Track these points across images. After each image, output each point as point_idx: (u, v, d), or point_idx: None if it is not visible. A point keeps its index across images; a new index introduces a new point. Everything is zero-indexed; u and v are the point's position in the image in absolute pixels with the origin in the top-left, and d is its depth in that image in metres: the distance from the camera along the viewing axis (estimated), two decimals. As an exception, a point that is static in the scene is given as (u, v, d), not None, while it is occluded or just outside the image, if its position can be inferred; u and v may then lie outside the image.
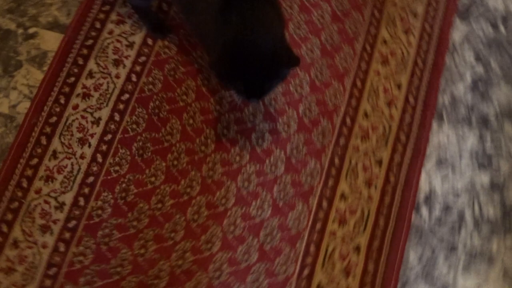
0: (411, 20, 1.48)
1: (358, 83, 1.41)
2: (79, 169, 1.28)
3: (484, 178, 1.35)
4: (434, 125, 1.39)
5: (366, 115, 1.38)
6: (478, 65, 1.45)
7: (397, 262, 1.27)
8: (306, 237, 1.27)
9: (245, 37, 0.94)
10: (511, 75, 1.44)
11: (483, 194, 1.34)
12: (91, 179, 1.27)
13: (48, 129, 1.31)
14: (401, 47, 1.45)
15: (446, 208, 1.33)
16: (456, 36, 1.48)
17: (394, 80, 1.41)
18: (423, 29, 1.47)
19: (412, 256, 1.28)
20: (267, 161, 1.33)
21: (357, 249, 1.28)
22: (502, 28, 1.49)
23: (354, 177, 1.33)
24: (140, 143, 1.31)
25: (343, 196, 1.31)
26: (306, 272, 1.26)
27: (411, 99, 1.40)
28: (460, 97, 1.42)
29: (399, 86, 1.41)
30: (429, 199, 1.33)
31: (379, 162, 1.34)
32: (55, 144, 1.30)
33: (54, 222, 1.23)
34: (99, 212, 1.25)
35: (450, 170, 1.36)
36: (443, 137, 1.39)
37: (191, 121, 1.34)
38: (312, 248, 1.27)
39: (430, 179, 1.35)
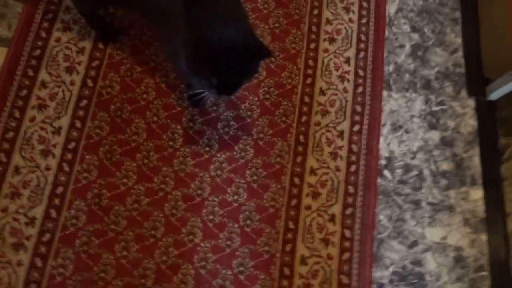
0: (350, -1, 1.58)
1: (311, 62, 1.48)
2: (46, 181, 1.24)
3: (434, 136, 1.47)
4: (384, 93, 1.49)
5: (322, 92, 1.45)
6: (414, 33, 1.58)
7: (370, 225, 1.35)
8: (284, 215, 1.32)
9: (215, 32, 0.93)
10: (443, 39, 1.58)
11: (436, 150, 1.46)
12: (60, 189, 1.24)
13: (6, 145, 1.25)
14: (344, 25, 1.54)
15: (406, 168, 1.43)
16: (391, 10, 1.60)
17: (342, 56, 1.50)
18: (360, 6, 1.57)
19: (383, 217, 1.37)
20: (236, 147, 1.36)
21: (332, 218, 1.34)
22: (430, -2, 1.63)
23: (320, 151, 1.39)
24: (107, 147, 1.29)
25: (312, 171, 1.37)
26: (288, 248, 1.30)
27: (361, 72, 1.49)
28: (403, 65, 1.54)
29: (348, 61, 1.50)
30: (390, 162, 1.42)
31: (341, 134, 1.42)
32: (16, 159, 1.25)
33: (27, 238, 1.18)
34: (74, 221, 1.22)
35: (405, 133, 1.46)
36: (394, 103, 1.49)
37: (155, 118, 1.34)
38: (290, 224, 1.32)
39: (388, 143, 1.44)
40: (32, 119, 1.29)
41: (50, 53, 1.35)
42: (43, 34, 1.37)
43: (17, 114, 1.29)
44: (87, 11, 1.30)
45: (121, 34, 1.40)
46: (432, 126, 1.48)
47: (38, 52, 1.35)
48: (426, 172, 1.43)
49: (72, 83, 1.34)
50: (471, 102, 1.52)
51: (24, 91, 1.31)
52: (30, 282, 1.16)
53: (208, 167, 1.32)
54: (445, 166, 1.45)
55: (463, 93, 1.53)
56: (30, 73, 1.33)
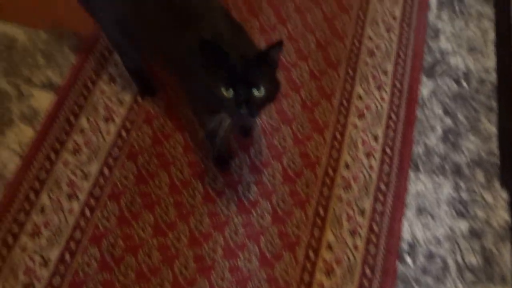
0: (382, 77, 1.60)
1: (338, 136, 1.49)
2: (67, 224, 1.28)
3: (463, 226, 1.41)
4: (411, 174, 1.46)
5: (347, 166, 1.44)
6: (447, 117, 1.56)
7: (385, 312, 1.27)
8: (294, 288, 1.27)
9: (225, 36, 1.01)
10: (477, 126, 1.55)
11: (463, 241, 1.39)
12: (78, 234, 1.27)
13: (37, 185, 1.32)
14: (375, 102, 1.56)
15: (430, 256, 1.36)
16: (424, 92, 1.60)
17: (371, 132, 1.50)
18: (393, 85, 1.59)
19: (400, 305, 1.29)
20: (253, 212, 1.36)
21: (345, 299, 1.28)
22: (464, 84, 1.63)
23: (339, 226, 1.36)
24: (129, 197, 1.33)
25: (329, 246, 1.33)
26: (295, 325, 1.24)
27: (388, 150, 1.48)
28: (433, 148, 1.51)
29: (376, 138, 1.50)
30: (412, 247, 1.36)
31: (362, 211, 1.39)
32: (44, 199, 1.30)
33: (38, 279, 1.21)
34: (85, 268, 1.23)
35: (430, 218, 1.41)
36: (420, 186, 1.45)
37: (179, 174, 1.38)
38: (300, 300, 1.27)
39: (412, 227, 1.39)
40: (66, 163, 1.36)
41: (93, 102, 1.45)
42: (90, 84, 1.48)
43: (53, 156, 1.36)
44: (132, 67, 1.40)
45: (159, 90, 1.49)
46: (461, 215, 1.42)
47: (82, 100, 1.45)
48: (451, 263, 1.36)
49: (108, 132, 1.41)
50: (504, 194, 1.45)
51: (63, 135, 1.40)
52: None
53: (224, 228, 1.32)
54: (472, 259, 1.37)
55: (496, 183, 1.47)
56: (72, 119, 1.42)
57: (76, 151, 1.38)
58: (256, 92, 0.95)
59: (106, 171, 1.36)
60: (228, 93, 0.95)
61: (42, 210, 1.29)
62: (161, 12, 1.08)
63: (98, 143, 1.40)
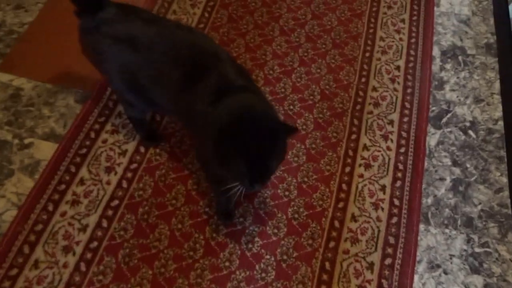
0: (388, 127, 1.59)
1: (344, 187, 1.45)
2: (60, 279, 1.22)
3: (477, 282, 1.33)
4: (421, 227, 1.41)
5: (354, 218, 1.39)
6: (456, 168, 1.53)
7: None
8: None
9: (240, 115, 0.96)
10: (487, 177, 1.51)
11: (479, 298, 1.30)
12: (73, 290, 1.21)
13: (32, 237, 1.28)
14: (381, 152, 1.53)
15: (444, 315, 1.27)
16: (431, 142, 1.58)
17: (377, 183, 1.47)
18: (399, 135, 1.57)
19: None
20: (257, 266, 1.29)
21: None
22: (472, 134, 1.61)
23: (347, 283, 1.29)
24: (127, 250, 1.28)
25: (336, 304, 1.26)
26: None
27: (396, 201, 1.44)
28: (443, 199, 1.46)
29: (383, 189, 1.45)
30: (425, 304, 1.28)
31: (371, 266, 1.32)
32: (38, 253, 1.26)
33: None
34: (78, 327, 1.16)
35: (443, 273, 1.34)
36: (431, 239, 1.39)
37: (179, 225, 1.33)
38: None
39: (424, 283, 1.32)
40: (63, 214, 1.32)
41: (95, 152, 1.44)
42: (93, 135, 1.47)
43: (50, 208, 1.33)
44: (135, 117, 1.40)
45: (162, 140, 1.48)
46: (475, 270, 1.35)
47: (84, 150, 1.44)
48: (467, 323, 1.27)
49: (108, 183, 1.39)
50: (520, 248, 1.38)
51: (63, 186, 1.37)
52: None
53: (226, 284, 1.26)
54: (491, 319, 1.28)
55: (510, 237, 1.40)
56: (72, 169, 1.40)
57: (74, 203, 1.34)
58: (269, 166, 0.97)
59: (104, 223, 1.32)
60: (242, 168, 0.96)
61: (36, 264, 1.24)
62: (169, 66, 1.09)
63: (98, 194, 1.37)
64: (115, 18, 1.12)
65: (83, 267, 1.24)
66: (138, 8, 1.19)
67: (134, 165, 1.43)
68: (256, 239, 1.34)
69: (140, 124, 1.45)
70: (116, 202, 1.36)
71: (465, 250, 1.38)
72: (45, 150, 1.43)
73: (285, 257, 1.31)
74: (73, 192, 1.36)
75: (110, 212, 1.34)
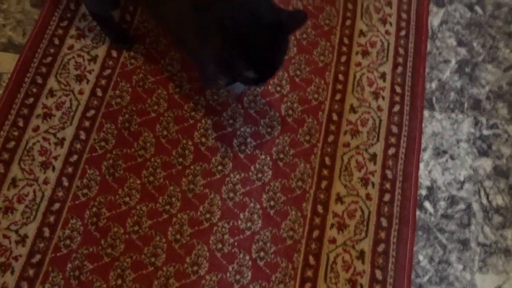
0: (386, 9, 1.42)
1: (341, 77, 1.32)
2: (43, 196, 1.13)
3: (486, 165, 1.26)
4: (426, 114, 1.31)
5: (353, 109, 1.29)
6: (461, 48, 1.39)
7: (407, 266, 1.14)
8: (303, 248, 1.14)
9: (240, 15, 0.83)
10: (495, 55, 1.38)
11: (488, 181, 1.24)
12: (56, 206, 1.13)
13: (5, 156, 1.17)
14: (379, 37, 1.38)
15: (452, 201, 1.22)
16: (434, 22, 1.43)
17: (377, 70, 1.34)
18: (399, 17, 1.41)
19: (422, 258, 1.16)
20: (252, 167, 1.21)
21: (361, 256, 1.15)
22: (479, 9, 1.45)
23: (349, 176, 1.22)
24: (111, 161, 1.18)
25: (339, 199, 1.19)
26: (307, 287, 1.11)
27: (398, 89, 1.32)
28: (448, 82, 1.35)
29: (383, 76, 1.33)
30: (431, 192, 1.22)
31: (373, 157, 1.24)
32: (14, 171, 1.16)
33: (15, 258, 1.07)
34: (68, 242, 1.10)
35: (450, 159, 1.26)
36: (437, 125, 1.30)
37: (165, 132, 1.22)
38: (311, 260, 1.13)
39: (430, 171, 1.25)
40: (36, 129, 1.20)
41: (62, 60, 1.28)
42: (56, 41, 1.31)
43: (20, 123, 1.21)
44: (98, 12, 1.23)
45: (136, 42, 1.32)
46: (483, 153, 1.27)
47: (49, 59, 1.28)
48: (475, 207, 1.21)
49: (80, 92, 1.25)
50: (531, 127, 1.30)
51: (31, 99, 1.23)
52: (13, 308, 1.04)
53: (220, 188, 1.18)
54: (499, 200, 1.22)
55: (521, 115, 1.31)
56: (39, 80, 1.26)
57: (46, 116, 1.22)
58: (277, 63, 0.91)
59: (82, 135, 1.20)
60: (250, 75, 0.89)
61: (14, 183, 1.14)
62: None
63: (71, 105, 1.24)
64: None
65: (65, 182, 1.15)
66: None
67: (107, 71, 1.28)
68: (249, 139, 1.24)
69: (108, 24, 1.27)
70: (92, 112, 1.23)
71: (472, 134, 1.29)
72: (6, 62, 1.28)
73: (281, 155, 1.22)
74: (44, 104, 1.23)
75: (87, 123, 1.22)
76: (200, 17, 0.87)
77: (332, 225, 1.17)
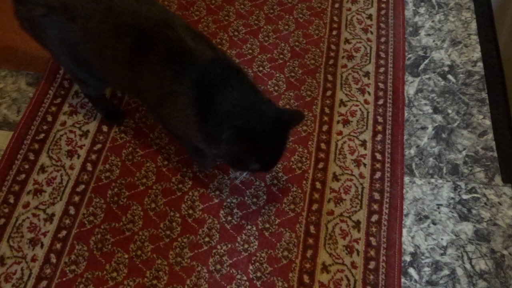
0: (364, 79, 1.51)
1: (323, 146, 1.38)
2: (30, 274, 1.14)
3: (467, 229, 1.29)
4: (406, 179, 1.35)
5: (335, 177, 1.33)
6: (437, 115, 1.46)
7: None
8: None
9: (248, 117, 0.94)
10: (469, 121, 1.45)
11: (470, 245, 1.27)
12: (44, 283, 1.13)
13: (-6, 233, 1.19)
14: (359, 106, 1.46)
15: (435, 267, 1.24)
16: (410, 91, 1.51)
17: (357, 138, 1.40)
18: (377, 87, 1.49)
19: (410, 325, 1.16)
20: (238, 238, 1.23)
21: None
22: (451, 78, 1.54)
23: (334, 244, 1.24)
24: (99, 236, 1.20)
25: (325, 267, 1.21)
26: None
27: (379, 156, 1.37)
28: (426, 148, 1.41)
29: (364, 144, 1.39)
30: (415, 258, 1.24)
31: (357, 225, 1.27)
32: (3, 249, 1.17)
33: None
34: (53, 321, 1.09)
35: (432, 224, 1.29)
36: (417, 190, 1.34)
37: (153, 205, 1.25)
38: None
39: (413, 236, 1.27)
40: (26, 205, 1.23)
41: (54, 136, 1.34)
42: (50, 118, 1.36)
43: (11, 200, 1.24)
44: (92, 95, 1.29)
45: (126, 117, 1.38)
46: (464, 217, 1.30)
47: (42, 136, 1.34)
48: (459, 272, 1.23)
49: (71, 167, 1.29)
50: (508, 190, 1.34)
51: (23, 176, 1.27)
52: None
53: (207, 260, 1.19)
54: (482, 265, 1.24)
55: (497, 179, 1.36)
56: (31, 157, 1.30)
57: (37, 192, 1.25)
58: (279, 156, 1.02)
59: (72, 210, 1.23)
60: (257, 167, 1.00)
61: (2, 261, 1.15)
62: (110, 35, 0.98)
63: (61, 180, 1.27)
64: None
65: (53, 258, 1.17)
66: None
67: (98, 146, 1.33)
68: (235, 210, 1.27)
69: (99, 102, 1.34)
70: (82, 187, 1.27)
71: (452, 198, 1.33)
72: (0, 140, 1.33)
73: (267, 225, 1.25)
74: (35, 180, 1.27)
75: (76, 198, 1.25)
76: (208, 122, 0.96)
77: (319, 295, 1.17)
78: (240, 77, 0.99)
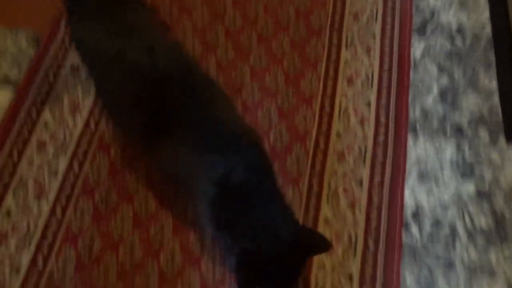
0: (370, 41, 1.49)
1: (327, 107, 1.38)
2: (35, 228, 1.16)
3: (469, 188, 1.30)
4: (410, 140, 1.35)
5: (339, 135, 1.33)
6: (442, 77, 1.45)
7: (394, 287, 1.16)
8: None
9: (259, 238, 0.85)
10: (475, 83, 1.44)
11: (471, 204, 1.28)
12: (50, 236, 1.15)
13: None
14: (365, 67, 1.44)
15: (436, 223, 1.25)
16: (416, 53, 1.49)
17: (362, 99, 1.39)
18: (382, 48, 1.48)
19: (409, 279, 1.18)
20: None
21: (350, 276, 1.17)
22: (458, 41, 1.52)
23: (336, 201, 1.25)
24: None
25: (327, 222, 1.22)
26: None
27: (382, 118, 1.37)
28: (431, 109, 1.40)
29: (368, 105, 1.38)
30: (417, 215, 1.25)
31: (360, 183, 1.28)
32: (9, 202, 1.19)
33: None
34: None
35: (434, 183, 1.30)
36: (420, 151, 1.34)
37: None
38: None
39: (415, 194, 1.28)
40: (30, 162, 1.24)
41: (56, 93, 1.34)
42: (51, 77, 1.36)
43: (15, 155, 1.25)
44: None
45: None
46: (466, 177, 1.31)
47: (44, 94, 1.33)
48: (460, 229, 1.25)
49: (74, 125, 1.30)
50: (511, 152, 1.34)
51: (26, 133, 1.28)
52: None
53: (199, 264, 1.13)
54: (483, 222, 1.26)
55: (502, 141, 1.36)
56: (34, 115, 1.31)
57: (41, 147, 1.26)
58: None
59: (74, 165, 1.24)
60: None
61: (8, 214, 1.17)
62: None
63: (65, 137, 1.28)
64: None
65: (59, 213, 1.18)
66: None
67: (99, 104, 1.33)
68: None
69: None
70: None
71: (455, 159, 1.34)
72: (1, 98, 1.33)
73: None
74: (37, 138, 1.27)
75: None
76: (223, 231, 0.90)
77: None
78: (268, 185, 0.92)
